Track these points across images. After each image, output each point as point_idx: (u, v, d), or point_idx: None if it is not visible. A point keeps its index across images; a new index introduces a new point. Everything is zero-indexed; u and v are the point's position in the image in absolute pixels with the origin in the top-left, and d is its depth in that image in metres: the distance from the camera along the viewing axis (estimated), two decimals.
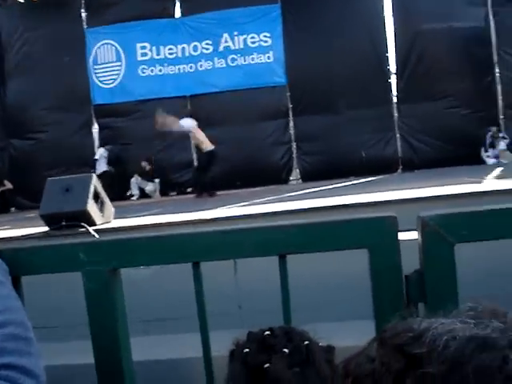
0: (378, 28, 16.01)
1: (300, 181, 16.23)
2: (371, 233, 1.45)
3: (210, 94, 16.41)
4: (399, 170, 15.76)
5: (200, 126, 12.97)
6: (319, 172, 15.14)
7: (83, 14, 17.00)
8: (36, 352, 1.18)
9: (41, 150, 16.55)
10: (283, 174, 16.26)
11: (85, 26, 17.03)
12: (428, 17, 15.13)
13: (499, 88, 15.55)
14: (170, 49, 16.91)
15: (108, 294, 1.57)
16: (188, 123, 12.94)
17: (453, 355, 0.65)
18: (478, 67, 15.25)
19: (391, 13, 16.00)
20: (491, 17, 15.43)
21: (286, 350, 1.16)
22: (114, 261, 1.58)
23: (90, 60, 17.06)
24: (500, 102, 15.61)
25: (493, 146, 15.04)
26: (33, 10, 16.45)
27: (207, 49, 16.75)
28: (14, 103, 16.82)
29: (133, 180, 16.19)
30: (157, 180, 16.11)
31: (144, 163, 16.02)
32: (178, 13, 17.02)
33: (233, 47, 16.67)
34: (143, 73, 16.94)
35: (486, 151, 15.09)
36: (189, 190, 15.28)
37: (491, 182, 8.20)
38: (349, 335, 1.81)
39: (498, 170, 11.40)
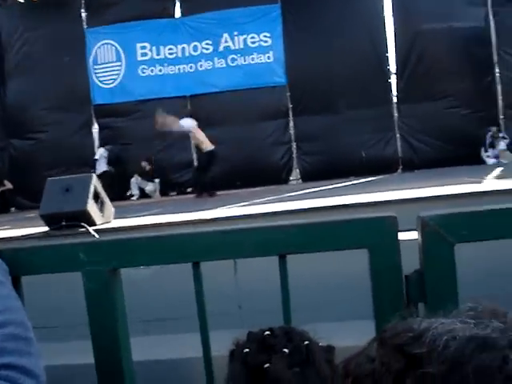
0: (378, 28, 16.02)
1: (300, 181, 16.23)
2: (371, 233, 1.45)
3: (210, 93, 16.42)
4: (399, 170, 15.76)
5: (200, 126, 12.97)
6: (319, 172, 15.14)
7: (83, 14, 17.00)
8: (36, 352, 1.18)
9: (41, 150, 16.55)
10: (283, 174, 16.26)
11: (85, 26, 17.03)
12: (428, 17, 15.14)
13: (499, 88, 15.55)
14: (170, 49, 16.91)
15: (108, 294, 1.58)
16: (188, 123, 12.94)
17: (453, 355, 0.65)
18: (478, 67, 15.25)
19: (391, 13, 16.00)
20: (491, 17, 15.44)
21: (286, 350, 1.16)
22: (114, 261, 1.59)
23: (90, 60, 17.06)
24: (500, 102, 15.62)
25: (493, 146, 15.05)
26: (33, 9, 16.46)
27: (207, 49, 16.75)
28: (14, 103, 16.82)
29: (133, 180, 16.19)
30: (157, 180, 16.11)
31: (144, 163, 16.02)
32: (177, 13, 17.03)
33: (233, 47, 16.67)
34: (143, 73, 16.95)
35: (486, 151, 15.09)
36: (189, 190, 15.28)
37: (491, 182, 8.20)
38: (349, 335, 1.81)
39: (497, 170, 11.40)
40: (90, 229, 5.97)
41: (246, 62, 16.59)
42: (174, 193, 16.23)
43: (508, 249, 2.22)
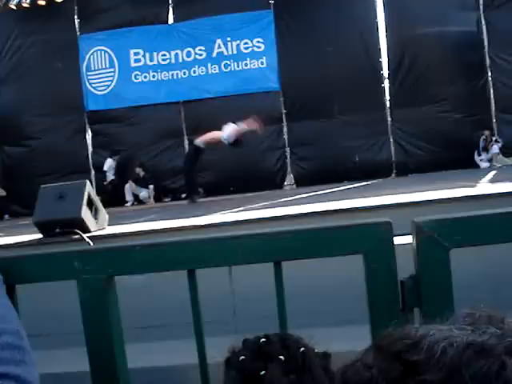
0: (371, 33, 16.07)
1: (294, 186, 16.23)
2: (366, 239, 1.45)
3: (203, 99, 16.42)
4: (393, 175, 15.80)
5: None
6: (313, 177, 15.15)
7: (76, 21, 16.99)
8: (30, 361, 1.18)
9: (34, 157, 16.51)
10: (277, 180, 16.27)
11: (78, 33, 17.02)
12: (420, 21, 15.24)
13: (492, 92, 15.63)
14: (164, 55, 16.91)
15: (103, 302, 1.57)
16: (229, 131, 12.52)
17: (450, 362, 0.64)
18: (471, 71, 15.34)
19: (384, 18, 16.06)
20: (483, 21, 15.53)
21: (281, 357, 1.16)
22: (110, 268, 1.58)
23: (84, 66, 17.04)
24: (493, 106, 15.69)
25: (486, 149, 15.12)
26: (25, 16, 16.45)
27: (200, 54, 16.77)
28: (7, 110, 16.75)
29: (127, 186, 16.16)
30: (151, 186, 16.08)
31: (138, 169, 16.00)
32: (171, 19, 17.04)
33: (226, 53, 16.69)
34: (136, 79, 16.93)
35: (480, 155, 15.16)
36: (183, 195, 15.25)
37: (485, 186, 8.22)
38: (345, 340, 1.80)
39: (491, 174, 11.43)
40: (85, 236, 5.95)
41: (240, 68, 16.61)
42: (168, 199, 16.22)
43: (504, 253, 2.22)
